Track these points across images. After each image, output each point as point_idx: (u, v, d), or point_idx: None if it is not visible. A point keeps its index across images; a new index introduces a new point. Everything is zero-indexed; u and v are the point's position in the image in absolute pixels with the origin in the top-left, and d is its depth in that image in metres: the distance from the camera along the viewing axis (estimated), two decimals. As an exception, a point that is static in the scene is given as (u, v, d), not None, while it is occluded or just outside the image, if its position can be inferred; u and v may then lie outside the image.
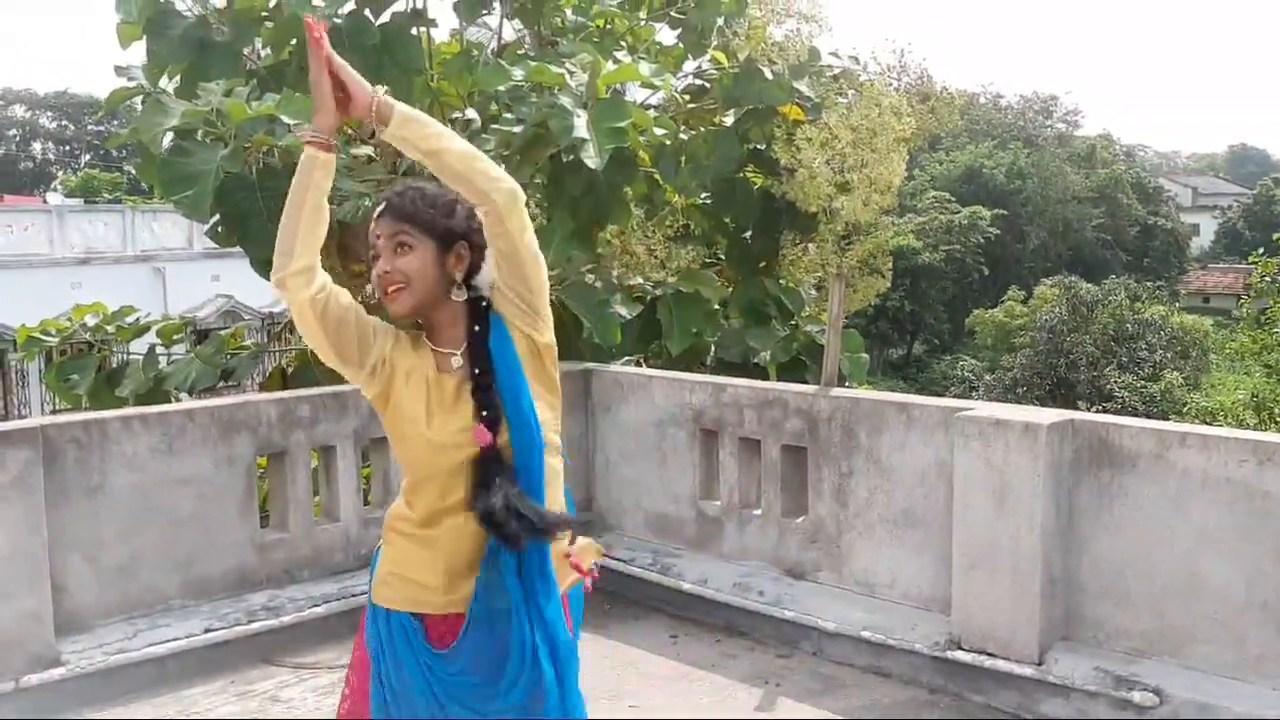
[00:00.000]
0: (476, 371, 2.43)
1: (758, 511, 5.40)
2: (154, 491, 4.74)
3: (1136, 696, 4.04)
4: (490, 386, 2.42)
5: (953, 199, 55.87)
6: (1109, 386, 32.77)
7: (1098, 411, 28.07)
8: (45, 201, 36.51)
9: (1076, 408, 30.52)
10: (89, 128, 69.24)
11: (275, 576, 5.09)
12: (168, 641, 4.64)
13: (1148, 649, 4.18)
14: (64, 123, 70.53)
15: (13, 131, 69.86)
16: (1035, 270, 53.70)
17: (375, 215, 2.51)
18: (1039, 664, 4.29)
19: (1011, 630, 4.36)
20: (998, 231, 53.71)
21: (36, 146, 71.27)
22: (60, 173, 64.79)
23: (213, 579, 4.91)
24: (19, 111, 70.29)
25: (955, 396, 35.47)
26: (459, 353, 2.47)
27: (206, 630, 4.74)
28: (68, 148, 70.68)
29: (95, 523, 4.59)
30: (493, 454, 2.40)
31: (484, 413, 2.41)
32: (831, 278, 5.50)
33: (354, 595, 5.17)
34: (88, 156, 67.96)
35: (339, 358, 2.47)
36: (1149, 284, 43.49)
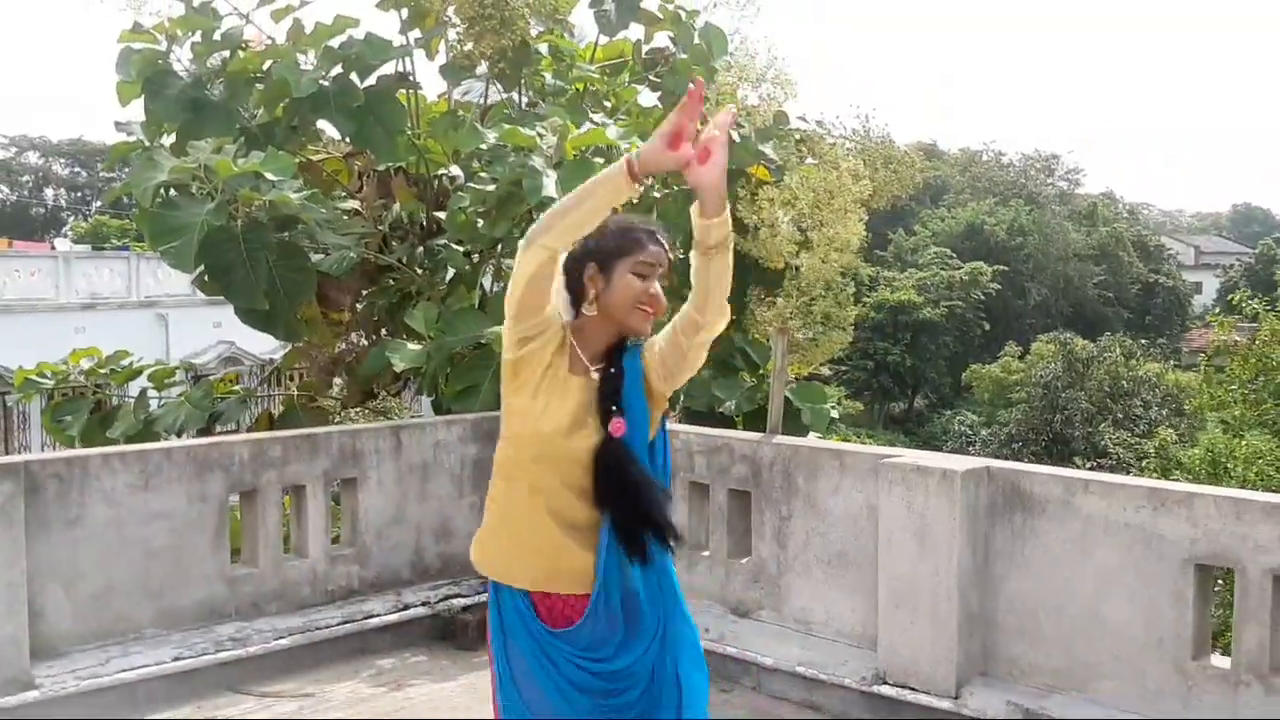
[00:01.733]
0: (611, 372, 2.81)
1: (706, 553, 5.67)
2: (130, 525, 5.03)
3: (1044, 729, 4.29)
4: (620, 389, 2.80)
5: (954, 255, 56.40)
6: (1104, 443, 33.00)
7: (1093, 467, 28.33)
8: (53, 248, 37.04)
9: (1073, 463, 30.75)
10: (101, 175, 70.14)
11: (243, 609, 5.36)
12: (138, 668, 4.90)
13: (1058, 684, 4.43)
14: (76, 169, 71.44)
15: (26, 178, 70.75)
16: (1036, 326, 54.08)
17: (660, 241, 2.83)
18: (956, 698, 4.54)
19: (932, 666, 4.61)
20: (999, 287, 54.16)
21: (49, 193, 72.09)
22: (71, 219, 65.49)
23: (183, 609, 5.19)
24: (33, 158, 71.22)
25: (952, 451, 35.75)
26: (596, 368, 2.82)
27: (176, 658, 5.00)
28: (80, 194, 71.50)
29: (73, 553, 4.88)
30: (619, 444, 2.77)
31: (613, 408, 2.78)
32: (774, 333, 5.80)
33: (318, 628, 5.44)
34: (99, 203, 68.74)
35: (515, 309, 2.75)
36: (1144, 341, 43.81)
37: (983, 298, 53.13)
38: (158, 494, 5.10)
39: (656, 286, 2.81)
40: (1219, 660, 4.15)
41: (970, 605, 4.58)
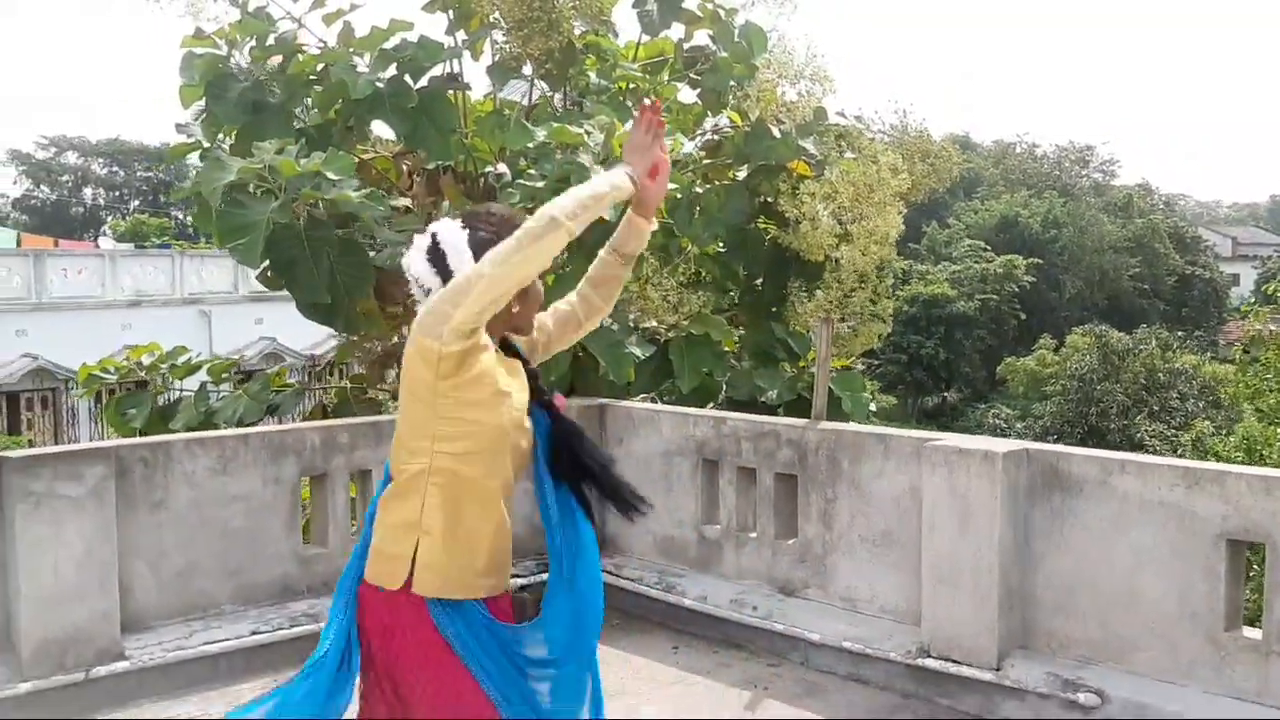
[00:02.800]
0: (521, 360, 2.87)
1: (753, 534, 5.90)
2: (209, 507, 5.33)
3: (1082, 698, 4.50)
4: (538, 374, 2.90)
5: (988, 247, 56.24)
6: (1139, 435, 32.94)
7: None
8: (97, 246, 37.71)
9: (1107, 455, 30.65)
10: (139, 174, 71.12)
11: (315, 587, 5.63)
12: (219, 642, 5.20)
13: (1094, 656, 4.63)
14: (115, 169, 72.40)
15: (66, 178, 71.79)
16: (1071, 319, 53.82)
17: None
18: (997, 670, 4.75)
19: (974, 639, 4.82)
20: (1033, 280, 53.97)
21: (88, 192, 73.11)
22: (110, 218, 66.43)
23: (259, 587, 5.48)
24: (72, 158, 72.26)
25: (986, 443, 35.76)
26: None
27: (253, 633, 5.30)
28: (118, 193, 72.46)
29: (158, 533, 5.18)
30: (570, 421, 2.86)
31: (543, 389, 2.85)
32: (819, 323, 6.00)
33: (385, 605, 5.70)
34: (137, 202, 69.67)
35: (499, 289, 2.63)
36: (1181, 333, 43.56)
37: (1017, 290, 52.97)
38: (235, 478, 5.38)
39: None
40: (1250, 632, 4.33)
41: (1010, 582, 4.78)
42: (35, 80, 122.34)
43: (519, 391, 2.78)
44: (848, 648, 5.26)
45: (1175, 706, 4.31)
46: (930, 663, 4.95)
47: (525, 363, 2.87)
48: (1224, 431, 32.15)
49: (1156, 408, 34.93)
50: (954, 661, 4.88)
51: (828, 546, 5.54)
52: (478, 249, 2.68)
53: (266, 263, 6.93)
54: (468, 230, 2.74)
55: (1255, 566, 7.94)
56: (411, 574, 2.68)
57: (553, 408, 2.83)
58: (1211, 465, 4.55)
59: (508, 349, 2.85)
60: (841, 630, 5.33)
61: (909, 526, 5.19)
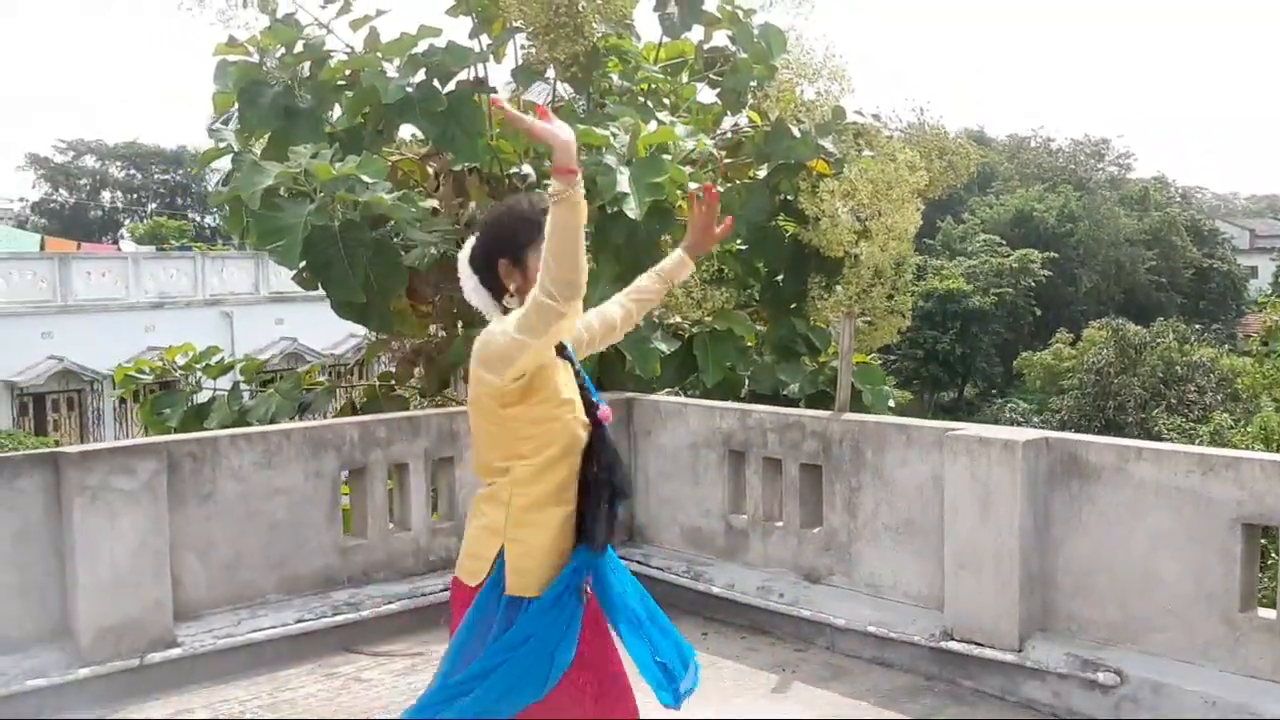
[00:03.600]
0: (569, 359, 3.01)
1: (779, 523, 6.07)
2: (255, 500, 5.53)
3: (1101, 677, 4.65)
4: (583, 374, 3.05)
5: (1003, 242, 56.19)
6: (1157, 428, 32.89)
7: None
8: (119, 248, 38.07)
9: (1125, 449, 30.59)
10: (156, 177, 71.60)
11: (355, 577, 5.84)
12: (265, 630, 5.41)
13: (1113, 638, 4.79)
14: (132, 172, 72.87)
15: (84, 181, 72.28)
16: (1088, 313, 53.70)
17: None
18: (1019, 651, 4.91)
19: (995, 623, 4.98)
20: (1049, 274, 53.92)
21: (106, 195, 73.59)
22: (127, 220, 66.90)
23: (302, 577, 5.67)
24: (90, 161, 72.74)
25: (1003, 438, 35.73)
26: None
27: (298, 621, 5.50)
28: (135, 196, 72.91)
29: (206, 525, 5.38)
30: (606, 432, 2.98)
31: (594, 395, 2.98)
32: (841, 317, 6.16)
33: (423, 595, 5.91)
34: (154, 204, 70.12)
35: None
36: (1199, 326, 43.43)
37: (1033, 285, 52.92)
38: (279, 471, 5.58)
39: None
40: (1265, 612, 4.47)
41: (1031, 566, 4.94)
42: (35, 80, 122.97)
43: (576, 390, 2.97)
44: (872, 632, 5.42)
45: (1192, 685, 4.46)
46: (953, 645, 5.11)
47: (573, 364, 3.03)
48: (1242, 424, 32.18)
49: (1174, 401, 34.87)
50: (976, 644, 5.04)
51: (852, 534, 5.70)
52: (470, 261, 2.95)
53: (303, 263, 7.13)
54: (470, 241, 3.01)
55: (1273, 555, 8.08)
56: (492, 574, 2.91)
57: (595, 419, 2.96)
58: (1226, 451, 4.70)
59: (560, 351, 2.99)
60: (866, 615, 5.49)
61: (931, 514, 5.35)
